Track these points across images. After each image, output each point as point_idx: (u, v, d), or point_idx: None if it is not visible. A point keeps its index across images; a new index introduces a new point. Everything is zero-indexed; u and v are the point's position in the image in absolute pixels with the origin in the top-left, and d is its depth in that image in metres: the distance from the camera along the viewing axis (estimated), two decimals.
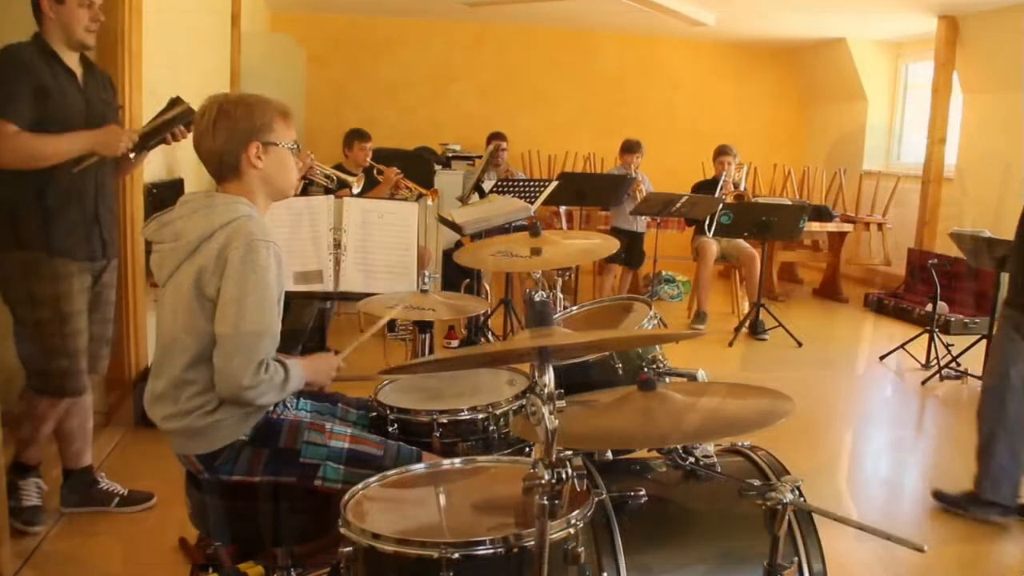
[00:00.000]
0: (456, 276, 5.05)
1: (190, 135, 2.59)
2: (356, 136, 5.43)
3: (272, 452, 1.83)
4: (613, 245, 2.70)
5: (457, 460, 1.73)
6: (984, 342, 4.55)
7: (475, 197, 5.20)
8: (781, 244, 7.02)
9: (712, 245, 6.11)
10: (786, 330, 5.65)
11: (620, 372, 2.11)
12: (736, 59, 9.01)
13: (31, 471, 2.75)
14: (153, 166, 3.85)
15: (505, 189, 5.11)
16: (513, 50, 8.65)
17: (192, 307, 1.76)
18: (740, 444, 1.91)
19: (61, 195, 2.54)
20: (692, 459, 1.76)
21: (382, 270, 2.95)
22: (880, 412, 4.64)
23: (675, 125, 8.78)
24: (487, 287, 5.47)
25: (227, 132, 1.82)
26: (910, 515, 3.22)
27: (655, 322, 2.28)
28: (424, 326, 2.82)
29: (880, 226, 7.23)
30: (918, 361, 5.13)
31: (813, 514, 1.64)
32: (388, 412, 2.05)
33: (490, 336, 4.99)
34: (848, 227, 7.20)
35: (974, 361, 4.72)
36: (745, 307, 6.27)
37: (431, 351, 2.85)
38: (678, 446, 1.76)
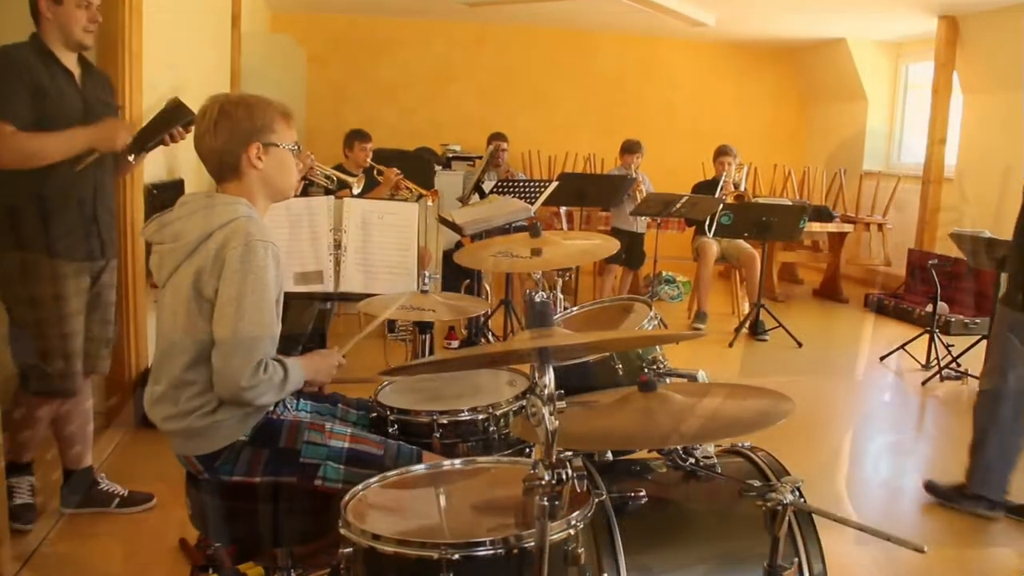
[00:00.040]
0: (456, 277, 5.05)
1: (189, 136, 2.60)
2: (356, 137, 5.43)
3: (272, 452, 1.83)
4: (613, 246, 2.70)
5: (457, 461, 1.73)
6: (984, 343, 4.54)
7: (475, 198, 5.20)
8: (781, 245, 7.02)
9: (712, 246, 6.11)
10: (786, 331, 5.65)
11: (620, 373, 2.11)
12: (736, 59, 9.01)
13: (23, 469, 2.75)
14: (153, 167, 3.85)
15: (505, 190, 5.11)
16: (513, 50, 8.65)
17: (191, 308, 1.76)
18: (740, 445, 1.91)
19: (58, 196, 2.54)
20: (692, 460, 1.76)
21: (382, 271, 2.95)
22: (880, 413, 4.64)
23: (675, 125, 8.78)
24: (487, 288, 5.47)
25: (228, 132, 1.82)
26: (910, 516, 3.22)
27: (655, 323, 2.28)
28: (424, 327, 2.82)
29: (880, 227, 7.23)
30: (918, 362, 5.13)
31: (813, 515, 1.64)
32: (388, 413, 2.05)
33: (490, 337, 4.99)
34: (848, 228, 7.20)
35: (974, 362, 4.72)
36: (745, 308, 6.27)
37: (431, 352, 2.85)
38: (678, 447, 1.76)
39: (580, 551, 1.36)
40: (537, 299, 1.46)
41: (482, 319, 4.87)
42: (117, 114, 2.79)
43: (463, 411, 2.03)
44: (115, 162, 2.71)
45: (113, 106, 2.78)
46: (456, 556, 1.31)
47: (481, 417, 2.03)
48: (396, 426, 2.03)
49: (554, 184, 5.17)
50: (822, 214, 7.00)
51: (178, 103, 2.65)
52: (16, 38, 2.51)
